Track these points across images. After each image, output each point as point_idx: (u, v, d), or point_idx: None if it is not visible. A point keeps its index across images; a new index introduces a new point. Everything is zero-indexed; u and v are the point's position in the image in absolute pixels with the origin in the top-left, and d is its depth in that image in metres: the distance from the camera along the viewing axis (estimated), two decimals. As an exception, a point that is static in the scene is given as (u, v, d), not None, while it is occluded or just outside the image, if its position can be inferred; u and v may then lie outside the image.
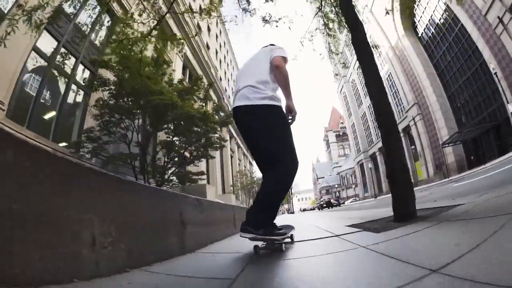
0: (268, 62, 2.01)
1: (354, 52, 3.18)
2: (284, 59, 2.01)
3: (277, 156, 1.81)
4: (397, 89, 34.15)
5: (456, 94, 26.50)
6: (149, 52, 8.23)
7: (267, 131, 1.85)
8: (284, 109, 1.99)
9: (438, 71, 28.43)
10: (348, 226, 2.84)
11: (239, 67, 49.65)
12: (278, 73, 1.95)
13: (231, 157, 29.96)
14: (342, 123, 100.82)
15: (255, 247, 1.85)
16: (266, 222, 1.79)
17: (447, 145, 25.20)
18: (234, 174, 29.26)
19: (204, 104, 8.79)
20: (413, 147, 32.92)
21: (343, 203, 51.07)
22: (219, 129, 8.99)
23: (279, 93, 2.01)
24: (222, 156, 25.98)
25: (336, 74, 21.20)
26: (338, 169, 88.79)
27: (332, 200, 49.27)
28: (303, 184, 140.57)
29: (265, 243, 1.95)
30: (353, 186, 74.36)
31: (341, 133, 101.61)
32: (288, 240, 2.15)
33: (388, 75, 35.85)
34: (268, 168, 1.86)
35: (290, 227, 2.15)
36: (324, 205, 43.78)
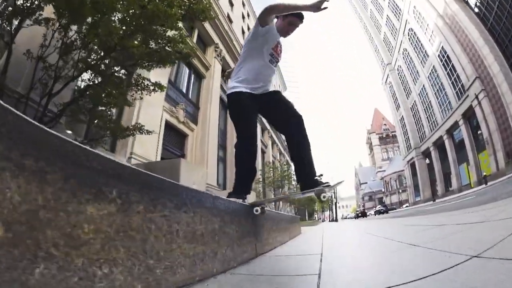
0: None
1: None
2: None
3: None
4: (453, 64, 29.19)
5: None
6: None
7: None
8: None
9: (494, 37, 23.82)
10: None
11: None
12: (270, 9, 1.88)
13: (263, 152, 27.06)
14: (385, 124, 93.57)
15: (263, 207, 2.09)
16: None
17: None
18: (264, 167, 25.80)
19: None
20: (479, 131, 26.89)
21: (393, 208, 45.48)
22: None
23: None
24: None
25: None
26: (382, 174, 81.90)
27: (378, 207, 43.96)
28: (345, 191, 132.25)
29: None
30: (399, 191, 67.06)
31: (384, 135, 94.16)
32: None
33: (440, 50, 31.02)
34: None
35: None
36: (360, 215, 39.77)
